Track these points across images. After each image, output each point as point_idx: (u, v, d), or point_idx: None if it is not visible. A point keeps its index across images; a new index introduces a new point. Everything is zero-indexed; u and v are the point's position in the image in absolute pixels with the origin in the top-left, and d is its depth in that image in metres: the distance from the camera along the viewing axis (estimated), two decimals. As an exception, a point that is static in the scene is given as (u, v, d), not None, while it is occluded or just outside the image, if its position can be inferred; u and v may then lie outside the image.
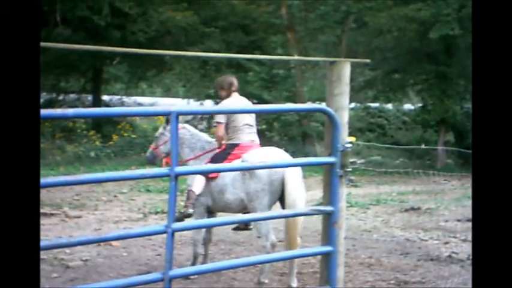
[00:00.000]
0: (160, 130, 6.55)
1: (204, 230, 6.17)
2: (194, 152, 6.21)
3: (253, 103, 16.90)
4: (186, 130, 6.27)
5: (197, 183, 5.89)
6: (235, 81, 6.21)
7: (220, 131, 6.04)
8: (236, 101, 6.12)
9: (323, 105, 3.32)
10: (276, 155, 5.62)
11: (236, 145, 5.98)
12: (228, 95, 6.11)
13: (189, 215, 5.85)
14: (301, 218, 5.50)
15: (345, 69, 3.21)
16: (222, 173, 5.84)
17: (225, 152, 5.95)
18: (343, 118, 3.22)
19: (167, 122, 6.36)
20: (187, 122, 18.54)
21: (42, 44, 3.11)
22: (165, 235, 2.86)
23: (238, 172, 5.69)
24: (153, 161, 6.66)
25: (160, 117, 6.60)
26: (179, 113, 2.90)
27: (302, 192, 5.58)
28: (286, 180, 5.50)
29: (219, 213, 6.28)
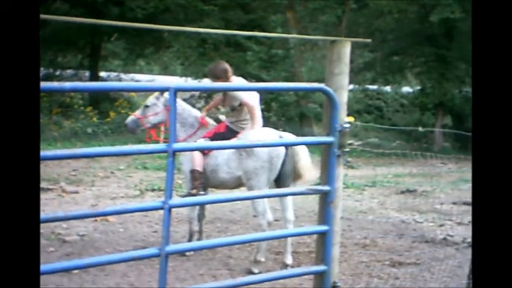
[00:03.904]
0: (152, 100, 6.20)
1: (198, 207, 6.17)
2: (185, 128, 6.08)
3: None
4: (178, 104, 6.11)
5: (197, 161, 5.82)
6: (228, 67, 5.95)
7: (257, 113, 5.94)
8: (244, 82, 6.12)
9: (322, 85, 3.31)
10: (272, 134, 5.62)
11: (237, 132, 5.94)
12: (226, 82, 5.83)
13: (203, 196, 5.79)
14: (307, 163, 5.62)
15: (346, 48, 3.19)
16: (215, 153, 5.80)
17: (227, 135, 5.86)
18: (342, 98, 3.20)
19: (162, 93, 6.19)
20: (184, 100, 18.50)
21: (41, 16, 3.08)
22: (161, 212, 2.86)
23: (232, 151, 5.67)
24: (134, 130, 6.30)
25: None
26: (177, 89, 2.88)
27: (310, 165, 5.66)
28: (299, 156, 5.59)
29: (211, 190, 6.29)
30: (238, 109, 5.94)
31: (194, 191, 5.77)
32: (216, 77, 5.89)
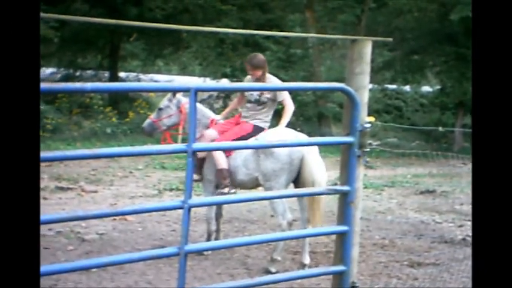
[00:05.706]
0: (166, 102, 6.31)
1: (215, 206, 6.17)
2: (198, 128, 6.03)
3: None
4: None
5: (222, 160, 5.79)
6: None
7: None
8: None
9: (342, 85, 3.28)
10: (292, 135, 5.60)
11: (262, 129, 5.92)
12: (264, 74, 5.91)
13: (233, 194, 5.77)
14: (324, 196, 5.49)
15: (366, 48, 3.17)
16: (234, 155, 5.79)
17: (250, 136, 5.84)
18: (363, 98, 3.18)
19: (174, 94, 6.26)
20: (203, 100, 18.54)
21: (61, 16, 3.10)
22: (180, 211, 2.87)
23: (250, 152, 5.66)
24: (151, 133, 6.45)
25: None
26: (198, 89, 2.89)
27: (323, 171, 5.58)
28: (307, 160, 5.48)
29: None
30: (269, 105, 5.97)
31: (226, 190, 5.76)
32: (256, 67, 5.91)
